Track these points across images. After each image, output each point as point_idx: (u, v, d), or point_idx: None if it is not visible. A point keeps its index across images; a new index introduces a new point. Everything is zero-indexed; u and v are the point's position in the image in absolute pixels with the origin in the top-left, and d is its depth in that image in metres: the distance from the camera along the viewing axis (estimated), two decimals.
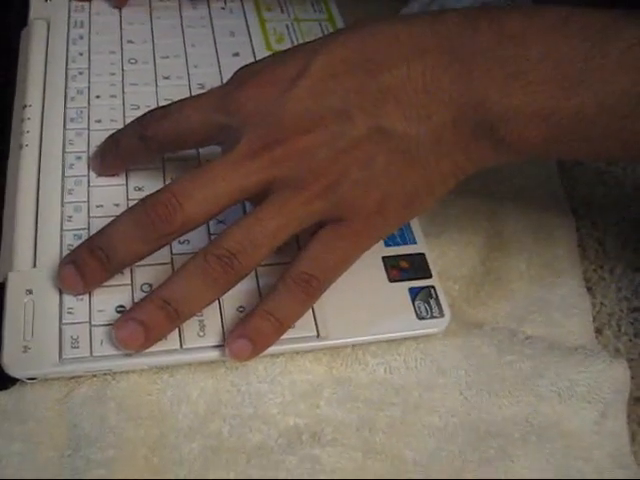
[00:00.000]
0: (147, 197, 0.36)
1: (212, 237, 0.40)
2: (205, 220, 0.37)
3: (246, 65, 0.40)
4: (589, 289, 0.43)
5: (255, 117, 0.36)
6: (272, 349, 0.37)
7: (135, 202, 0.39)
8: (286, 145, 0.36)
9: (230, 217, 0.37)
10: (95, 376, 0.37)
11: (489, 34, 0.35)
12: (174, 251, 0.39)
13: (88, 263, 0.37)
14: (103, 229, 0.37)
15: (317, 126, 0.36)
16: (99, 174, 0.43)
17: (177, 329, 0.37)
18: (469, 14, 0.36)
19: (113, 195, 0.42)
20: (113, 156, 0.42)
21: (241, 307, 0.38)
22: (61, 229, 0.40)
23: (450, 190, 0.38)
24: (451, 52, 0.35)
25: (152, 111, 0.41)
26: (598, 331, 0.42)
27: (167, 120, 0.39)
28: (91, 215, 0.41)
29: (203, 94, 0.40)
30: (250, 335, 0.36)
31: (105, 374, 0.37)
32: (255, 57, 0.50)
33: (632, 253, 0.45)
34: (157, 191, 0.36)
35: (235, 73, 0.40)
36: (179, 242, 0.40)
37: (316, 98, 0.36)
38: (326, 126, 0.36)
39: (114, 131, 0.42)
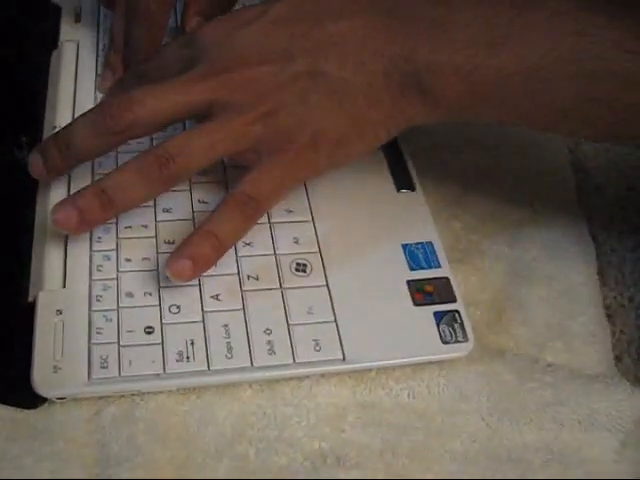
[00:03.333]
0: (106, 99, 0.41)
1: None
2: (152, 127, 0.41)
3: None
4: (609, 316, 0.44)
5: (210, 48, 0.41)
6: (298, 371, 0.38)
7: (164, 225, 0.42)
8: (233, 73, 0.40)
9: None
10: (123, 396, 0.37)
11: (425, 0, 0.39)
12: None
13: (50, 151, 0.41)
14: (66, 125, 0.41)
15: (263, 61, 0.40)
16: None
17: (205, 351, 0.37)
18: None
19: (141, 217, 0.42)
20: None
21: (268, 329, 0.38)
22: (90, 249, 0.41)
23: (382, 140, 0.41)
24: (390, 12, 0.40)
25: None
26: (617, 359, 0.42)
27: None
28: (120, 236, 0.41)
29: (172, 48, 0.44)
30: (191, 254, 0.38)
31: (133, 395, 0.37)
32: None
33: None
34: (116, 93, 0.42)
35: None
36: None
37: (266, 37, 0.40)
38: (271, 61, 0.40)
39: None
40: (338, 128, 0.40)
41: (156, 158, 0.39)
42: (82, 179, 0.43)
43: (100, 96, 0.49)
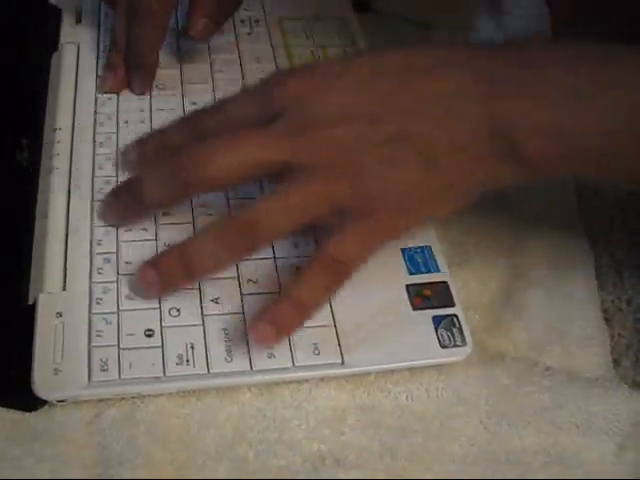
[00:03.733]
0: (182, 148, 0.40)
1: None
2: (224, 183, 0.40)
3: (279, 70, 0.43)
4: (607, 320, 0.44)
5: (291, 104, 0.39)
6: (298, 375, 0.38)
7: (164, 228, 0.42)
8: (316, 132, 0.38)
9: None
10: (123, 399, 0.37)
11: (515, 62, 0.38)
12: None
13: (123, 197, 0.42)
14: (137, 175, 0.42)
15: (350, 120, 0.38)
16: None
17: (205, 354, 0.38)
18: (500, 45, 0.40)
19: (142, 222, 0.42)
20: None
21: None
22: (91, 252, 0.41)
23: (466, 202, 0.40)
24: (481, 74, 0.38)
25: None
26: (616, 362, 0.42)
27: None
28: (120, 239, 0.42)
29: (244, 99, 0.42)
30: (276, 321, 0.37)
31: (133, 397, 0.37)
32: None
33: None
34: (190, 145, 0.40)
35: (269, 76, 0.42)
36: None
37: (355, 95, 0.39)
38: (359, 121, 0.38)
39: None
40: (424, 190, 0.38)
41: (238, 226, 0.38)
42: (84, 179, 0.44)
43: (100, 97, 0.49)
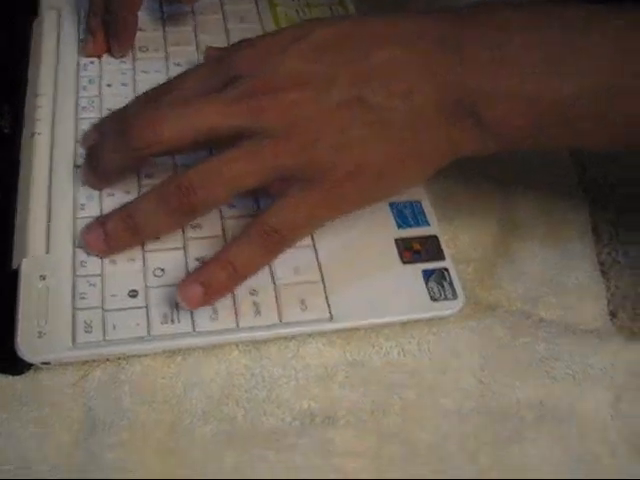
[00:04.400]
0: (133, 114, 0.40)
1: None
2: (175, 145, 0.38)
3: (243, 39, 0.42)
4: (603, 272, 0.43)
5: (246, 70, 0.38)
6: (285, 331, 0.37)
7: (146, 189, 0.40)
8: (269, 97, 0.37)
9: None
10: (108, 360, 0.37)
11: (479, 25, 0.36)
12: (187, 235, 0.40)
13: (87, 164, 0.41)
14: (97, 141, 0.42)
15: (304, 86, 0.37)
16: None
17: (190, 313, 0.37)
18: (464, 10, 0.38)
19: (125, 185, 0.41)
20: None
21: (254, 290, 0.38)
22: (73, 216, 0.40)
23: (428, 175, 0.39)
24: (443, 39, 0.36)
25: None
26: (612, 314, 0.41)
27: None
28: (103, 204, 0.41)
29: (200, 69, 0.41)
30: (204, 281, 0.36)
31: (118, 358, 0.37)
32: None
33: None
34: (142, 110, 0.40)
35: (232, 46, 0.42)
36: (191, 227, 0.40)
37: (308, 61, 0.37)
38: (312, 87, 0.37)
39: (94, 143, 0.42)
40: (380, 160, 0.37)
41: (177, 188, 0.37)
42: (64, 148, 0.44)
43: (82, 61, 0.48)
